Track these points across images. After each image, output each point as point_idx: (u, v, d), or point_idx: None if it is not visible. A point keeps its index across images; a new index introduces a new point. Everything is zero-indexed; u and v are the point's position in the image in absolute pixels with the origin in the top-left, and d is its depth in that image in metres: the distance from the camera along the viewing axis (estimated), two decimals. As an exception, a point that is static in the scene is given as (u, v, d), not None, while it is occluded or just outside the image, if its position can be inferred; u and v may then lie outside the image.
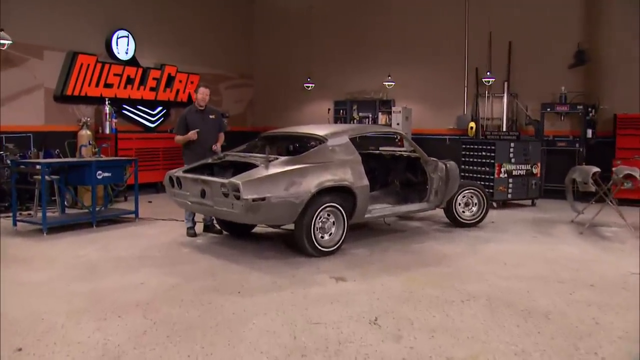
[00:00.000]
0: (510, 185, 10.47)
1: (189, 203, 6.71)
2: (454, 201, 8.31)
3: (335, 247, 6.54)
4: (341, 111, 14.80)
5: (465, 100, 13.28)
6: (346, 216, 6.59)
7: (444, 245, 7.18)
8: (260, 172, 6.11)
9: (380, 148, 12.05)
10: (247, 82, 16.33)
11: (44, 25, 10.80)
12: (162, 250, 6.82)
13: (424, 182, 7.99)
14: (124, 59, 12.23)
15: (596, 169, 8.17)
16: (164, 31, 13.28)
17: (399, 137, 12.83)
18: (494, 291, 5.21)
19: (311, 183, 6.19)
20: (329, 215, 6.49)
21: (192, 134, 7.47)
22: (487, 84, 12.60)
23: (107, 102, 11.57)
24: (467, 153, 11.04)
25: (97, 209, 8.45)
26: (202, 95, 7.62)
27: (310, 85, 14.71)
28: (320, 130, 7.11)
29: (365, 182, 6.76)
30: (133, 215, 8.76)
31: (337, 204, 6.48)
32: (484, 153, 10.62)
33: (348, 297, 4.98)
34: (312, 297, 5.00)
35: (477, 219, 8.48)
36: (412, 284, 5.43)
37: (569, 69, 11.95)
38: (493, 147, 10.42)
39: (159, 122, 13.18)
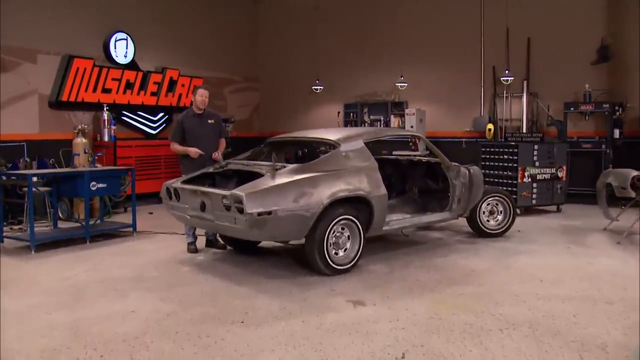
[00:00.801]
0: (535, 191, 9.78)
1: (188, 217, 6.07)
2: (478, 209, 7.64)
3: (350, 264, 5.86)
4: (351, 114, 14.21)
5: (482, 100, 12.63)
6: (362, 229, 5.92)
7: (470, 260, 6.50)
8: (266, 182, 5.46)
9: (394, 152, 11.51)
10: (253, 86, 15.72)
11: (37, 27, 10.23)
12: (159, 269, 6.17)
13: (445, 189, 7.33)
14: (123, 63, 11.64)
15: (635, 172, 7.46)
16: (164, 33, 12.69)
17: (414, 141, 12.26)
18: (535, 316, 4.53)
19: (323, 193, 5.53)
20: (343, 229, 5.82)
21: (194, 153, 6.78)
22: (505, 82, 11.91)
23: (105, 108, 10.98)
24: (488, 157, 10.35)
25: (92, 222, 7.85)
26: (201, 97, 6.92)
27: (318, 87, 14.07)
28: (332, 135, 6.45)
29: (383, 191, 6.10)
30: (131, 229, 8.14)
31: (352, 216, 5.81)
32: (505, 156, 9.94)
33: (369, 327, 4.31)
34: (327, 326, 4.34)
35: (503, 229, 7.80)
36: (440, 307, 4.76)
37: (592, 66, 11.26)
38: (516, 150, 9.73)
39: (160, 128, 12.56)
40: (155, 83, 12.29)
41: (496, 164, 10.11)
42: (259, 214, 5.14)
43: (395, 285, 5.43)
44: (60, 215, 9.09)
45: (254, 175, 5.81)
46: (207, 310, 4.75)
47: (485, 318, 4.49)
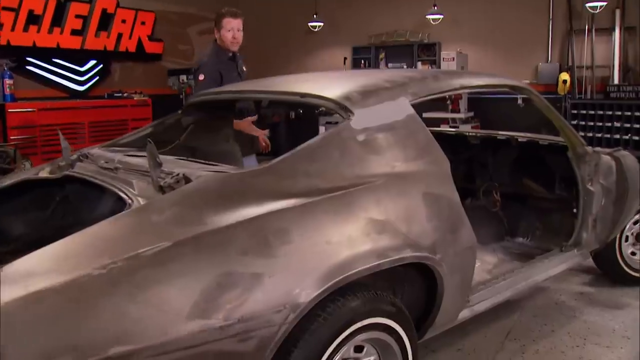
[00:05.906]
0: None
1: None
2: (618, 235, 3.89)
3: None
4: (362, 61, 10.72)
5: (550, 40, 9.03)
6: (411, 341, 2.18)
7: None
8: (114, 236, 1.72)
9: (424, 115, 7.97)
10: (231, 26, 11.99)
11: None
12: None
13: (565, 198, 3.58)
14: (23, -16, 7.91)
15: None
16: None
17: (452, 97, 8.66)
18: None
19: (304, 270, 1.76)
20: (360, 350, 2.09)
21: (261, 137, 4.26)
22: (592, 11, 8.17)
23: (-8, 53, 7.34)
24: (581, 124, 6.61)
25: None
26: (232, 32, 4.19)
27: (317, 24, 10.56)
28: (330, 86, 2.57)
29: (468, 238, 2.31)
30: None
31: (387, 317, 2.05)
32: (616, 124, 6.20)
33: None
34: None
35: (661, 269, 4.09)
36: None
37: None
38: (638, 114, 5.99)
39: (92, 82, 8.92)
40: (78, 17, 8.56)
41: (598, 135, 6.38)
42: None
43: None
44: None
45: (116, 199, 2.08)
46: None
47: None
